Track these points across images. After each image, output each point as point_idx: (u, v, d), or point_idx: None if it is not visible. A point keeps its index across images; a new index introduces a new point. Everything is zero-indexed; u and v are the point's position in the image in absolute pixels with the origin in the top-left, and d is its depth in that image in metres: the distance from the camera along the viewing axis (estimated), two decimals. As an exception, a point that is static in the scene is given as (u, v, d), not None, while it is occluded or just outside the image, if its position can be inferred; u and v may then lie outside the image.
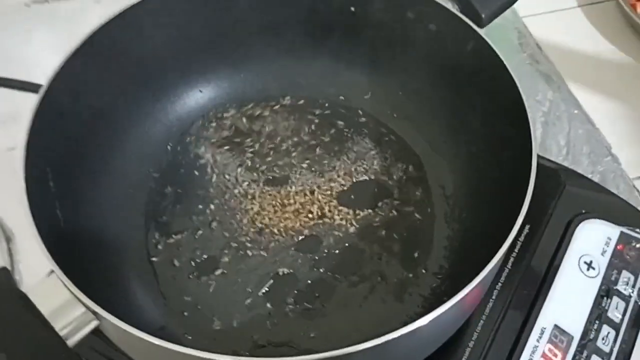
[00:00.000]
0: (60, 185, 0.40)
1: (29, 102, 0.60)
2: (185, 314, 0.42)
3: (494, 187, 0.41)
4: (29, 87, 0.63)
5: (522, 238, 0.46)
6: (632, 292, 0.46)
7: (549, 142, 0.60)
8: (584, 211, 0.48)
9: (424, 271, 0.44)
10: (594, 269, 0.46)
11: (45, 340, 0.31)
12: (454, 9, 0.43)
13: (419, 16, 0.45)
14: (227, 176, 0.49)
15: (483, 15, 0.44)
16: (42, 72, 0.61)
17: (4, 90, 0.64)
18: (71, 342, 0.31)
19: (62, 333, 0.31)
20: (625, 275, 0.46)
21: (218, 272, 0.44)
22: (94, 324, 0.32)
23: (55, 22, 0.70)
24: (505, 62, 0.40)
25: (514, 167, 0.37)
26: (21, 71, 0.64)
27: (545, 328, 0.42)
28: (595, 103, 0.62)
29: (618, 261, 0.46)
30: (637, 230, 0.48)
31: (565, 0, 0.72)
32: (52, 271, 0.33)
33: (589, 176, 0.57)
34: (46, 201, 0.39)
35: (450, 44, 0.44)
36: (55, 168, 0.41)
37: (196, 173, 0.49)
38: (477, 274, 0.32)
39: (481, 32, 0.42)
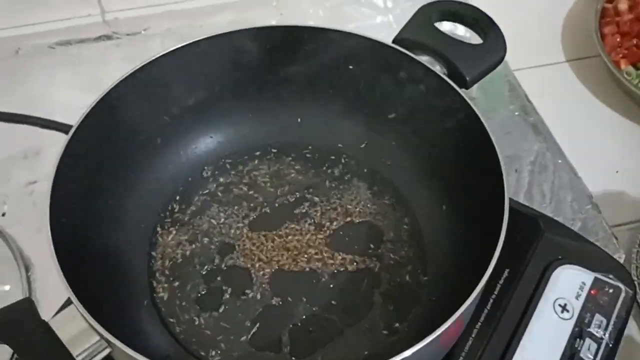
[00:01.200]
0: (78, 222, 0.45)
1: (51, 139, 0.66)
2: (186, 345, 0.46)
3: (472, 237, 0.45)
4: (52, 125, 0.67)
5: (501, 281, 0.49)
6: (604, 335, 0.49)
7: (534, 190, 0.63)
8: (560, 257, 0.51)
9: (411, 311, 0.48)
10: (568, 311, 0.49)
11: (64, 365, 0.35)
12: (441, 72, 0.48)
13: (409, 77, 0.49)
14: (229, 218, 0.53)
15: (468, 79, 0.48)
16: (64, 111, 0.67)
17: (27, 127, 0.68)
18: (87, 367, 0.35)
19: (78, 359, 0.35)
20: (598, 318, 0.49)
21: (218, 308, 0.48)
22: (106, 351, 0.36)
23: (77, 63, 0.75)
24: (483, 122, 0.44)
25: (490, 218, 0.41)
26: (44, 109, 0.68)
27: (520, 366, 0.46)
28: (580, 154, 0.66)
29: (591, 305, 0.50)
30: (610, 276, 0.51)
31: (554, 55, 0.76)
32: (69, 300, 0.37)
33: (571, 223, 0.60)
34: (66, 237, 0.43)
35: (437, 103, 0.48)
36: (76, 206, 0.45)
37: (204, 211, 0.53)
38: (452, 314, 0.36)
39: (464, 94, 0.46)
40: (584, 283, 0.51)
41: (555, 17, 0.80)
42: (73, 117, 0.47)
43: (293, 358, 0.45)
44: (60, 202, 0.42)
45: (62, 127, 0.66)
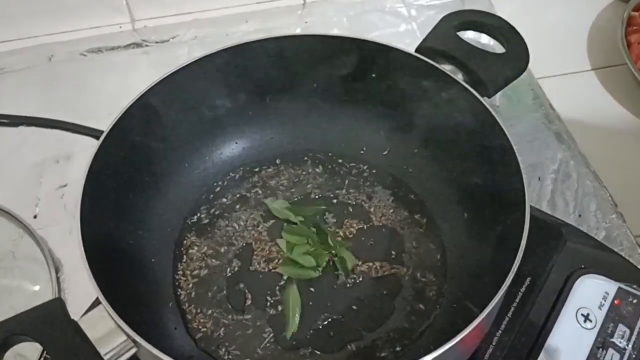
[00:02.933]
0: (108, 225, 0.46)
1: (82, 144, 0.68)
2: (209, 347, 0.47)
3: (493, 245, 0.45)
4: (83, 130, 0.70)
5: (522, 289, 0.49)
6: (627, 345, 0.49)
7: (557, 198, 0.63)
8: (583, 266, 0.51)
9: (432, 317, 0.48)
10: (591, 321, 0.49)
11: (92, 363, 0.36)
12: (463, 81, 0.48)
13: (432, 85, 0.50)
14: (251, 222, 0.54)
15: (490, 87, 0.49)
16: (95, 117, 0.69)
17: (59, 132, 0.71)
18: (114, 365, 0.37)
19: (106, 358, 0.36)
20: (622, 329, 0.49)
21: (241, 311, 0.49)
22: (133, 350, 0.37)
23: (108, 70, 0.77)
24: (504, 130, 0.44)
25: (511, 225, 0.41)
26: (75, 115, 0.71)
27: (541, 375, 0.46)
28: (604, 162, 0.66)
29: (615, 315, 0.50)
30: (635, 286, 0.51)
31: (579, 63, 0.76)
32: (98, 300, 0.38)
33: (594, 232, 0.60)
34: (95, 239, 0.44)
35: (459, 111, 0.48)
36: (105, 210, 0.46)
37: (228, 215, 0.54)
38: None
39: (486, 102, 0.46)
40: (607, 293, 0.50)
41: (581, 26, 0.80)
42: (103, 122, 0.49)
43: (313, 362, 0.46)
44: (91, 206, 0.44)
45: (93, 133, 0.69)
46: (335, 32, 0.53)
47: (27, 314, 0.38)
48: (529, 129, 0.70)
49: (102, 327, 0.37)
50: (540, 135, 0.69)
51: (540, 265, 0.51)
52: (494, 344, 0.47)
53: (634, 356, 0.48)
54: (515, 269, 0.38)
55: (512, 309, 0.49)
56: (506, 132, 0.44)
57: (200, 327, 0.48)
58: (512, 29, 0.52)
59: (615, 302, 0.50)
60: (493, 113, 0.45)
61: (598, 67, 0.75)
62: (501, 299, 0.38)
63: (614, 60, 0.75)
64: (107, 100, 0.69)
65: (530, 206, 0.55)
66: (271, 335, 0.48)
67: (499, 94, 0.71)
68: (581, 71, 0.75)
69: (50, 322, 0.37)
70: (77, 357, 0.36)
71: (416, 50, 0.51)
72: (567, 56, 0.76)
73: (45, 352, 0.51)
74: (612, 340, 0.48)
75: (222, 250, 0.53)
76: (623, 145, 0.68)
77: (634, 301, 0.50)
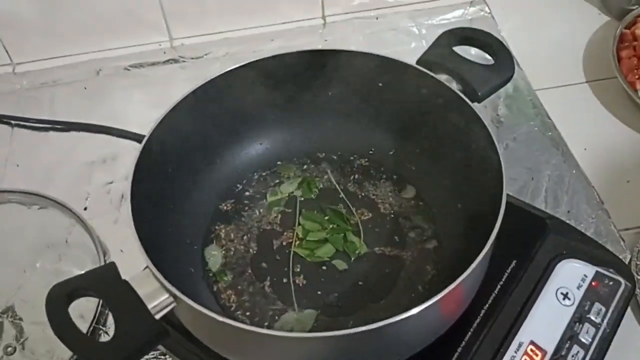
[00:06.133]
0: (152, 209, 0.54)
1: (126, 147, 0.77)
2: (234, 313, 0.55)
3: (481, 231, 0.51)
4: (127, 134, 0.78)
5: (508, 270, 0.56)
6: (602, 321, 0.54)
7: (549, 197, 0.70)
8: (565, 252, 0.57)
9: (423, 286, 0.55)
10: (569, 299, 0.55)
11: (141, 313, 0.43)
12: (456, 88, 0.56)
13: (430, 93, 0.57)
14: (272, 210, 0.62)
15: (479, 94, 0.56)
16: (137, 123, 0.78)
17: (106, 137, 0.79)
18: (157, 316, 0.44)
19: (151, 309, 0.44)
20: (598, 306, 0.55)
21: (261, 285, 0.57)
22: (173, 304, 0.45)
23: (148, 83, 0.86)
24: (490, 130, 0.51)
25: (489, 208, 0.48)
26: (120, 122, 0.79)
27: (522, 342, 0.52)
28: (594, 166, 0.72)
29: (592, 294, 0.55)
30: (611, 270, 0.57)
31: (575, 76, 0.82)
32: (146, 267, 0.46)
33: (582, 226, 0.67)
34: (142, 220, 0.51)
35: (453, 115, 0.55)
36: (149, 197, 0.54)
37: (252, 207, 0.62)
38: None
39: (475, 107, 0.53)
40: (585, 275, 0.56)
41: (578, 42, 0.87)
42: (144, 128, 0.55)
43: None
44: (138, 194, 0.50)
45: (136, 137, 0.77)
46: (352, 48, 0.61)
47: (87, 274, 0.45)
48: (527, 135, 0.77)
49: (149, 285, 0.44)
50: (537, 141, 0.76)
51: (525, 250, 0.57)
52: (481, 315, 0.53)
53: (607, 330, 0.54)
54: (492, 241, 0.45)
55: (498, 287, 0.55)
56: (491, 132, 0.51)
57: (228, 298, 0.56)
58: (500, 43, 0.60)
59: (593, 283, 0.56)
60: (480, 116, 0.52)
61: (592, 79, 0.82)
62: (474, 272, 0.44)
63: (606, 73, 0.81)
64: (147, 110, 0.76)
65: (521, 201, 0.62)
66: (288, 305, 0.55)
67: (500, 104, 0.79)
68: (576, 83, 0.82)
69: (106, 280, 0.44)
70: (129, 309, 0.43)
71: (417, 62, 0.59)
72: (563, 69, 0.83)
73: (101, 306, 0.60)
74: (588, 316, 0.54)
75: (247, 236, 0.60)
76: (612, 150, 0.74)
77: (610, 283, 0.56)
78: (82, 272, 0.68)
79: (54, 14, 0.84)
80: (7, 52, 0.87)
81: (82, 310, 0.60)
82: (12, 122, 0.81)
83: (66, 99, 0.84)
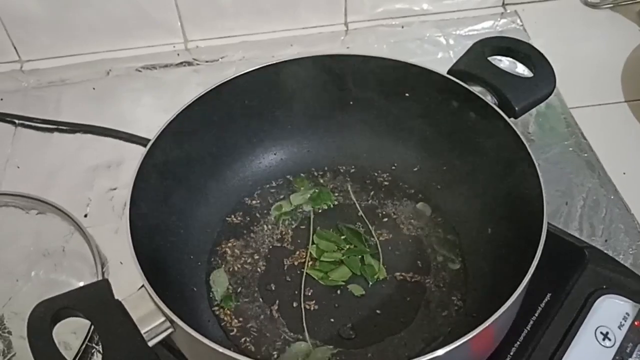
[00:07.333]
0: (153, 220, 0.50)
1: (133, 152, 0.73)
2: (238, 340, 0.50)
3: (514, 259, 0.47)
4: (134, 139, 0.74)
5: (542, 305, 0.51)
6: (647, 365, 0.49)
7: (585, 223, 0.64)
8: (605, 287, 0.52)
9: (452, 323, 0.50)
10: (610, 340, 0.50)
11: (133, 339, 0.39)
12: (491, 102, 0.51)
13: (462, 105, 0.52)
14: (284, 225, 0.58)
15: (517, 109, 0.51)
16: (146, 127, 0.74)
17: (112, 140, 0.76)
18: (151, 343, 0.40)
19: (145, 335, 0.40)
20: (641, 349, 0.50)
21: (271, 306, 0.52)
22: (169, 330, 0.40)
23: (160, 86, 0.82)
24: (529, 149, 0.46)
25: (530, 240, 0.43)
26: (128, 125, 0.75)
27: (557, 387, 0.47)
28: (634, 191, 0.67)
29: (634, 335, 0.50)
30: (655, 309, 0.52)
31: (613, 95, 0.77)
32: (143, 286, 0.41)
33: (621, 257, 0.61)
34: (141, 234, 0.47)
35: (486, 131, 0.51)
36: (151, 209, 0.50)
37: (263, 221, 0.58)
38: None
39: (512, 123, 0.49)
40: (627, 313, 0.51)
41: (615, 59, 0.81)
42: (154, 133, 0.52)
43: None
44: (138, 204, 0.47)
45: (144, 142, 0.73)
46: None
47: (76, 292, 0.41)
48: (560, 156, 0.71)
49: (144, 307, 0.40)
50: (571, 162, 0.70)
51: (561, 283, 0.52)
52: (511, 353, 0.48)
53: (652, 376, 0.49)
54: (529, 278, 0.40)
55: (531, 322, 0.50)
56: (530, 152, 0.46)
57: (231, 321, 0.51)
58: (540, 54, 0.55)
59: (636, 323, 0.51)
60: (518, 133, 0.48)
61: (631, 99, 0.77)
62: (513, 306, 0.40)
63: (648, 93, 0.76)
64: (157, 113, 0.73)
65: (556, 227, 0.57)
66: (298, 333, 0.50)
67: (532, 121, 0.73)
68: (614, 102, 0.77)
69: (97, 299, 0.40)
70: (120, 334, 0.39)
71: (448, 72, 0.54)
72: (600, 87, 0.78)
73: (92, 328, 0.55)
74: (630, 359, 0.49)
75: (255, 251, 0.56)
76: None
77: (655, 323, 0.51)
78: (78, 283, 0.65)
79: (66, 12, 0.81)
80: (15, 49, 0.84)
81: (75, 327, 0.56)
82: (16, 121, 0.78)
83: (73, 99, 0.81)
